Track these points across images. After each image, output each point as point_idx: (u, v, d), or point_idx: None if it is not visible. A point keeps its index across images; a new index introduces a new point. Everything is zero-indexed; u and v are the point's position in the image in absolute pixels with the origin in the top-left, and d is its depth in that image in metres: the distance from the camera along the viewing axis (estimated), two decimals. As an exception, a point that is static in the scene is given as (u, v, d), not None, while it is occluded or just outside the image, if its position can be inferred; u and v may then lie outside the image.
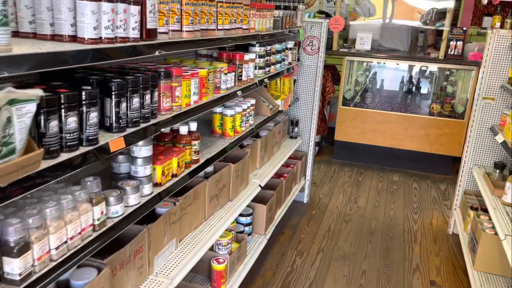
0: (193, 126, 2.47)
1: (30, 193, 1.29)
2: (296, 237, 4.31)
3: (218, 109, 3.04)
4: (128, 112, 1.78)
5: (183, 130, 2.39)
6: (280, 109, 4.09)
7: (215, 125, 3.11)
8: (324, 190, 5.46)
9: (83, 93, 1.51)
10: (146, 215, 2.02)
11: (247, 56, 3.13)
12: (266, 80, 3.55)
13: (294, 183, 4.74)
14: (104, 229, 1.70)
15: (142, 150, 1.96)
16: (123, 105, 1.73)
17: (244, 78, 3.17)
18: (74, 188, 1.58)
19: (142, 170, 1.98)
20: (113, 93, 1.68)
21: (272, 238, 3.96)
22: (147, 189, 2.03)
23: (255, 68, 3.46)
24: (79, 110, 1.50)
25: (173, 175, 2.28)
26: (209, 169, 3.00)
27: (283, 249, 4.05)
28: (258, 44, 3.43)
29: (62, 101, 1.42)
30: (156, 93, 1.98)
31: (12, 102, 1.15)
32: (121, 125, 1.74)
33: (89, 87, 1.55)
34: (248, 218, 3.50)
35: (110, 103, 1.69)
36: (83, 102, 1.51)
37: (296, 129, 4.91)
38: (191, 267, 2.40)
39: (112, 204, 1.77)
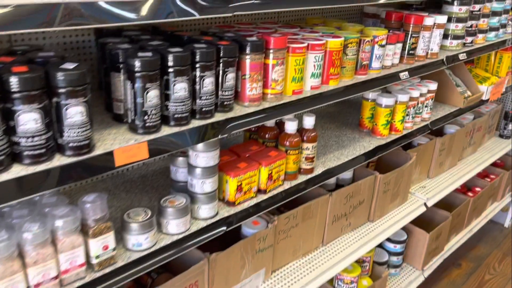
0: (309, 122, 1.70)
1: None
2: (478, 276, 3.10)
3: (370, 94, 2.14)
4: (169, 104, 1.17)
5: (291, 127, 1.65)
6: (484, 98, 2.83)
7: (363, 116, 2.22)
8: (542, 214, 3.85)
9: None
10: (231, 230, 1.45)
11: (428, 20, 2.08)
12: (462, 56, 2.40)
13: (492, 200, 3.40)
14: (111, 268, 1.19)
15: (200, 157, 1.34)
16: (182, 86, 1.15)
17: (420, 52, 2.14)
18: (57, 212, 1.09)
19: (199, 184, 1.37)
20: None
21: (437, 271, 2.90)
22: (206, 210, 1.41)
23: (448, 37, 2.34)
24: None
25: (260, 191, 1.60)
26: (347, 175, 2.19)
27: (451, 291, 2.95)
28: (458, 1, 2.28)
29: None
30: (231, 75, 1.30)
31: None
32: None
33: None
34: (399, 246, 2.55)
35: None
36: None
37: (510, 126, 3.47)
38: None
39: (133, 232, 1.24)
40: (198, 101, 1.25)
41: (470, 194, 3.15)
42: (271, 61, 1.42)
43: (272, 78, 1.44)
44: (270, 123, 1.70)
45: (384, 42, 1.87)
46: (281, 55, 1.43)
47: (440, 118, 2.53)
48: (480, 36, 2.58)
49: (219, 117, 1.31)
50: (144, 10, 0.99)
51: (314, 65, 1.59)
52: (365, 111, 2.22)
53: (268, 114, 1.44)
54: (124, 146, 1.09)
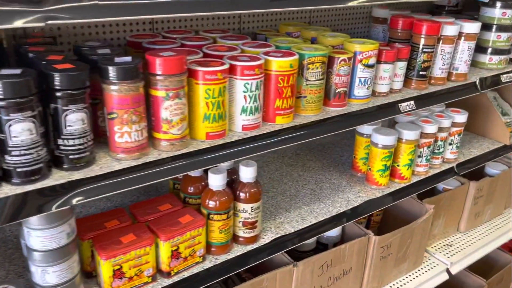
0: (247, 173, 1.19)
1: None
2: None
3: (365, 128, 1.58)
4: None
5: (214, 181, 1.15)
6: (541, 130, 2.13)
7: (356, 155, 1.67)
8: None
9: None
10: None
11: (450, 29, 1.48)
12: (507, 78, 1.75)
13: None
14: None
15: (34, 236, 0.90)
16: None
17: (437, 72, 1.55)
18: None
19: (38, 273, 0.93)
20: None
21: None
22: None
23: (487, 51, 1.72)
24: None
25: (161, 273, 1.12)
26: (333, 231, 1.64)
27: None
28: (500, 2, 1.66)
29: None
30: (76, 115, 0.85)
31: None
32: None
33: None
34: (407, 323, 1.95)
35: None
36: None
37: None
38: None
39: None
40: (7, 157, 0.80)
41: (519, 252, 2.43)
42: (160, 93, 0.94)
43: (163, 117, 0.96)
44: (195, 171, 1.22)
45: (372, 61, 1.31)
46: (177, 84, 0.95)
47: (474, 159, 1.89)
48: (537, 49, 1.91)
49: (54, 179, 0.86)
50: None
51: (245, 97, 1.08)
52: (358, 150, 1.66)
53: (156, 171, 0.96)
54: None
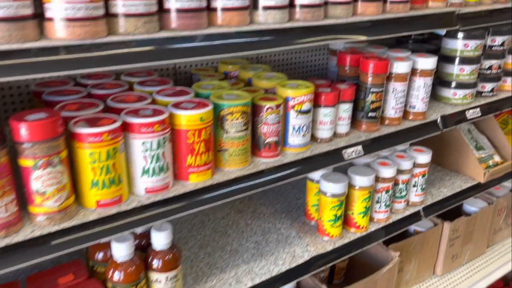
0: (160, 239, 1.05)
1: None
2: None
3: (317, 174, 1.43)
4: None
5: (118, 251, 1.01)
6: (521, 165, 1.97)
7: (308, 202, 1.52)
8: None
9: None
10: None
11: (400, 66, 1.34)
12: (473, 114, 1.61)
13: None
14: None
15: None
16: None
17: (390, 112, 1.41)
18: None
19: None
20: None
21: None
22: None
23: (451, 85, 1.59)
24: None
25: None
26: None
27: None
28: (463, 34, 1.53)
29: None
30: None
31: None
32: None
33: None
34: None
35: None
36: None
37: None
38: None
39: None
40: None
41: (506, 293, 2.25)
42: (27, 162, 0.81)
43: (34, 189, 0.83)
44: (104, 236, 1.08)
45: (307, 106, 1.18)
46: (48, 151, 0.81)
47: (443, 200, 1.73)
48: (509, 80, 1.76)
49: None
50: None
51: (146, 157, 0.95)
52: (309, 196, 1.51)
53: (27, 252, 0.83)
54: None
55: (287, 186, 1.80)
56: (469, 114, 1.59)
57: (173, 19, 0.89)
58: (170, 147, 1.00)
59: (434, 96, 1.68)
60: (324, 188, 1.38)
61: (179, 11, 0.89)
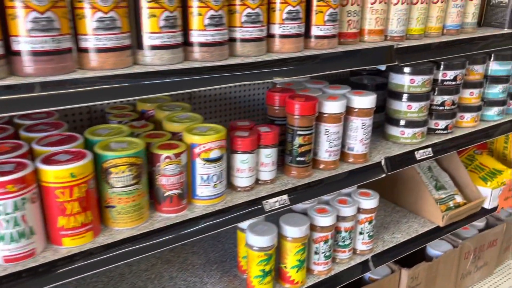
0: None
1: None
2: None
3: (246, 223, 1.29)
4: None
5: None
6: (486, 206, 1.82)
7: (239, 253, 1.37)
8: None
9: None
10: None
11: (331, 106, 1.21)
12: (423, 154, 1.47)
13: None
14: None
15: None
16: None
17: (324, 155, 1.28)
18: None
19: None
20: None
21: None
22: None
23: (399, 123, 1.46)
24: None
25: None
26: None
27: None
28: (409, 68, 1.40)
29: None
30: None
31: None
32: None
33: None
34: None
35: None
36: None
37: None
38: None
39: None
40: None
41: None
42: None
43: None
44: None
45: (216, 154, 1.04)
46: None
47: (396, 247, 1.58)
48: (468, 116, 1.63)
49: None
50: None
51: (0, 222, 0.81)
52: (240, 246, 1.37)
53: None
54: None
55: (228, 230, 1.65)
56: (419, 155, 1.45)
57: (26, 63, 0.76)
58: (37, 208, 0.86)
59: (383, 135, 1.55)
60: (250, 240, 1.23)
61: (32, 53, 0.76)
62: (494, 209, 1.86)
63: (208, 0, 0.90)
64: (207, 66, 0.93)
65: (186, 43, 0.93)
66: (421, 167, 1.82)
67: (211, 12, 0.91)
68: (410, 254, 1.74)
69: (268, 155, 1.17)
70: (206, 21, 0.91)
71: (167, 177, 0.99)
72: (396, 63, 1.25)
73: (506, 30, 1.57)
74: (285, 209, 1.17)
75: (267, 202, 1.14)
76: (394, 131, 1.48)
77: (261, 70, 1.00)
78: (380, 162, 1.38)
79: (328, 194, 1.41)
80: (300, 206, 1.39)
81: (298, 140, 1.20)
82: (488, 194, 1.80)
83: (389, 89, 1.47)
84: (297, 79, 1.49)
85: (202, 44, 0.93)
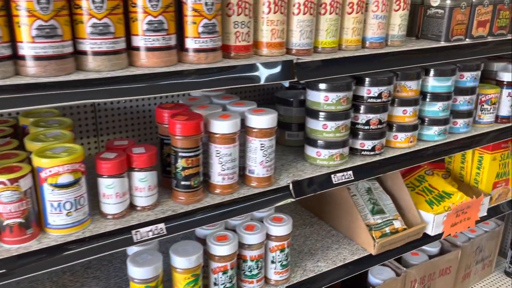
0: None
1: None
2: None
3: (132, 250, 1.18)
4: None
5: None
6: (429, 232, 1.68)
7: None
8: None
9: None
10: None
11: (221, 126, 1.10)
12: (341, 177, 1.35)
13: None
14: None
15: None
16: None
17: (217, 179, 1.16)
18: None
19: None
20: None
21: None
22: None
23: (316, 144, 1.33)
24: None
25: None
26: None
27: None
28: (326, 85, 1.28)
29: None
30: None
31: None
32: None
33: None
34: None
35: None
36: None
37: (517, 259, 2.20)
38: None
39: None
40: None
41: None
42: None
43: None
44: None
45: (65, 179, 0.93)
46: None
47: (316, 278, 1.45)
48: (402, 136, 1.50)
49: None
50: None
51: None
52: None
53: None
54: None
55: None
56: (336, 178, 1.32)
57: None
58: None
59: (302, 155, 1.42)
60: (130, 272, 1.12)
61: None
62: (440, 235, 1.71)
63: (34, 9, 0.80)
64: (38, 82, 0.82)
65: (16, 56, 0.83)
66: (358, 189, 1.69)
67: (39, 22, 0.81)
68: (352, 281, 1.61)
69: (142, 179, 1.06)
70: (34, 32, 0.81)
71: (4, 204, 0.89)
72: (295, 79, 1.13)
73: (442, 43, 1.44)
74: (161, 237, 1.06)
75: (137, 231, 1.03)
76: (311, 151, 1.36)
77: (112, 88, 0.89)
78: (288, 186, 1.26)
79: (233, 218, 1.30)
80: (201, 231, 1.28)
81: (181, 163, 1.09)
82: (431, 220, 1.66)
83: (306, 106, 1.35)
84: (208, 92, 1.38)
85: (34, 58, 0.82)
